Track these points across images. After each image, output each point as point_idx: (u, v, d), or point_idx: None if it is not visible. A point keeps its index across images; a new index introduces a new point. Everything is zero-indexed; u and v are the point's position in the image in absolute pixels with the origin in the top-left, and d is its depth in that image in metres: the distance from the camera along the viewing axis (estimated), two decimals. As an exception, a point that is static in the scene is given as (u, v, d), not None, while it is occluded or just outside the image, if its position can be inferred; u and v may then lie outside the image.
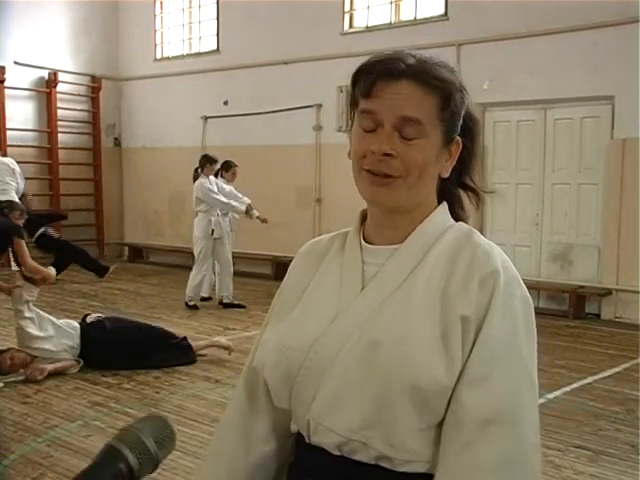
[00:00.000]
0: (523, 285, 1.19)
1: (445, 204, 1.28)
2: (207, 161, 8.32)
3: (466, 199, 1.33)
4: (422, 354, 1.12)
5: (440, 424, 1.14)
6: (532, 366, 1.16)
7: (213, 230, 8.26)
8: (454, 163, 1.24)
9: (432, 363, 1.11)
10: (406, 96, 1.17)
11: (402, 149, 1.16)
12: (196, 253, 8.45)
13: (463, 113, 1.23)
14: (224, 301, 8.43)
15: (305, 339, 1.21)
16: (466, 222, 1.30)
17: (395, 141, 1.16)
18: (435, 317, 1.15)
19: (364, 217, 1.30)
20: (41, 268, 5.60)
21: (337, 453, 1.19)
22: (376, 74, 1.18)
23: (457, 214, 1.30)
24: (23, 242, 5.23)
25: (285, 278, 1.38)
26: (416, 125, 1.16)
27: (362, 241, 1.28)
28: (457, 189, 1.31)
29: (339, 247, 1.31)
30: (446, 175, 1.24)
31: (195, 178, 8.34)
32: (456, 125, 1.22)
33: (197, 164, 8.45)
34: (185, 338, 5.96)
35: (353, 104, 1.23)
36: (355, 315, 1.19)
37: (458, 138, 1.23)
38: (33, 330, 5.35)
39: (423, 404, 1.12)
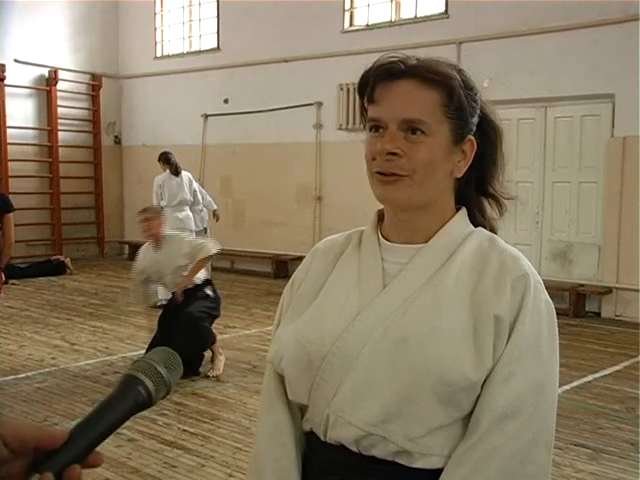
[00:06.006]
0: (545, 289, 1.22)
1: (464, 209, 1.29)
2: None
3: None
4: (451, 350, 1.13)
5: (465, 419, 1.15)
6: (553, 367, 1.19)
7: None
8: (469, 163, 1.25)
9: (461, 359, 1.12)
10: (407, 95, 1.18)
11: (408, 148, 1.18)
12: None
13: (477, 113, 1.24)
14: None
15: (326, 334, 1.22)
16: (486, 228, 1.30)
17: (400, 140, 1.18)
18: (464, 315, 1.16)
19: (380, 216, 1.31)
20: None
21: (354, 449, 1.19)
22: (376, 77, 1.20)
23: (477, 220, 1.31)
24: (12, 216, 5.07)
25: (298, 275, 1.37)
26: (420, 124, 1.18)
27: (381, 238, 1.28)
28: (478, 196, 1.32)
29: (356, 244, 1.32)
30: (459, 175, 1.24)
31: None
32: (466, 123, 1.22)
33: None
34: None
35: (363, 110, 1.25)
36: (379, 311, 1.20)
37: (472, 138, 1.23)
38: None
39: (449, 399, 1.13)
